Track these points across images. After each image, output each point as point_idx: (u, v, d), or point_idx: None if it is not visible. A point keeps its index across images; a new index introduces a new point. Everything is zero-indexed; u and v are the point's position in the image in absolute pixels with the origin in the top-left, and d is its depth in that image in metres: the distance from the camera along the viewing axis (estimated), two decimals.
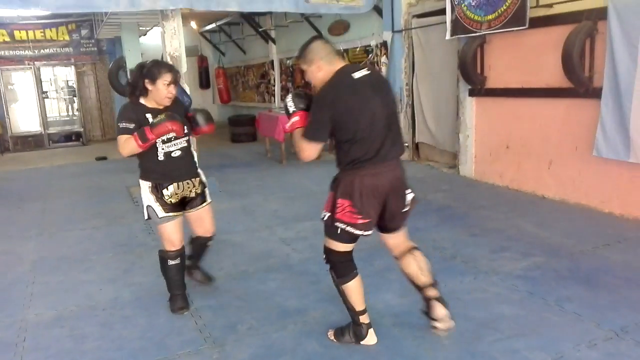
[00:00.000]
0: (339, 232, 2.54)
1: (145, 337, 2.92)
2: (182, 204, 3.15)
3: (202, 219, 3.27)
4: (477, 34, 5.78)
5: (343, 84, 2.47)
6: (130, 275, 3.84)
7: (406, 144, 7.66)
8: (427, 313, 2.74)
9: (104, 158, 9.93)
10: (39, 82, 12.58)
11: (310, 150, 2.54)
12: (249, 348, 2.75)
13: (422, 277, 2.74)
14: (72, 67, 12.76)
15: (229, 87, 14.54)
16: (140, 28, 10.58)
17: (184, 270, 3.29)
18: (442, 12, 6.28)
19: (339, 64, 2.54)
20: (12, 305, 3.45)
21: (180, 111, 3.09)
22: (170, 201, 3.05)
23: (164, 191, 3.03)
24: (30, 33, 12.47)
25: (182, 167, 3.08)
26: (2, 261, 4.33)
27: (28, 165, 9.70)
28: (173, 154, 3.02)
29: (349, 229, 2.52)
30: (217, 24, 12.48)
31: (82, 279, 3.80)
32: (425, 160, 7.56)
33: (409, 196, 2.69)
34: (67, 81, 12.92)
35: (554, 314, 2.96)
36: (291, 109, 2.62)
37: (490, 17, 5.58)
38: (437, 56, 6.97)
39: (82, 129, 12.94)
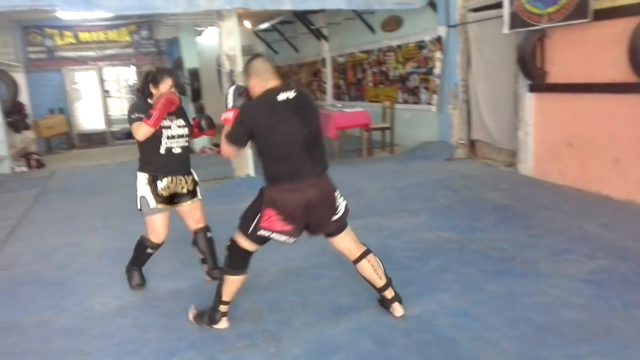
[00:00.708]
0: (258, 235, 2.80)
1: (204, 328, 3.01)
2: (172, 201, 3.43)
3: (192, 212, 3.54)
4: (537, 27, 5.58)
5: (264, 103, 2.72)
6: (188, 268, 3.96)
7: (462, 141, 7.50)
8: (387, 308, 3.04)
9: None
10: (102, 81, 13.18)
11: (229, 150, 2.81)
12: (304, 343, 2.79)
13: (379, 280, 2.98)
14: (133, 67, 13.28)
15: None
16: (197, 28, 10.90)
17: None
18: (500, 5, 6.09)
19: (272, 83, 2.77)
20: (79, 294, 3.65)
21: (182, 114, 3.43)
22: (162, 194, 3.34)
23: (159, 182, 3.32)
24: (94, 35, 13.08)
25: (178, 164, 3.38)
26: (70, 252, 4.57)
27: (92, 162, 10.19)
28: (174, 150, 3.34)
29: (273, 235, 2.79)
30: (271, 22, 12.65)
31: (144, 270, 3.95)
32: (482, 158, 7.38)
33: (341, 205, 2.92)
34: (128, 80, 13.47)
35: (621, 320, 2.83)
36: (230, 104, 2.89)
37: (550, 9, 5.37)
38: (494, 51, 6.78)
39: None
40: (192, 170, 3.53)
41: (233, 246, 2.89)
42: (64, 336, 3.06)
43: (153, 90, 3.27)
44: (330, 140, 8.16)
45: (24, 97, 11.34)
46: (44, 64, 12.85)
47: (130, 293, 3.59)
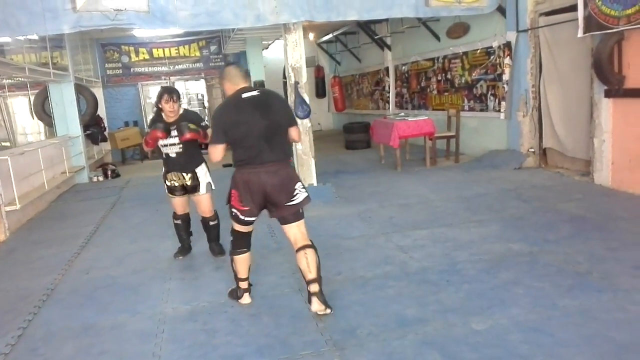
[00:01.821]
0: (232, 214, 3.32)
1: (270, 334, 3.06)
2: (184, 190, 4.44)
3: (199, 203, 4.48)
4: (614, 30, 5.29)
5: (231, 101, 3.26)
6: (255, 275, 4.01)
7: (532, 150, 7.21)
8: (308, 299, 3.31)
9: (231, 165, 10.55)
10: None
11: (214, 151, 3.25)
12: (369, 353, 2.76)
13: (309, 273, 3.25)
14: (203, 80, 13.82)
15: (344, 96, 14.79)
16: (263, 42, 11.18)
17: (186, 231, 4.68)
18: (573, 8, 5.84)
19: (241, 85, 3.29)
20: (152, 298, 3.80)
21: (183, 122, 4.20)
22: (169, 185, 4.43)
23: (167, 175, 4.41)
24: (167, 51, 13.74)
25: (176, 164, 4.33)
26: (143, 258, 4.79)
27: None
28: (170, 155, 4.32)
29: (236, 213, 3.28)
30: (334, 34, 12.77)
31: (213, 276, 4.07)
32: (554, 167, 7.05)
33: (300, 194, 3.26)
34: (198, 94, 14.02)
35: None
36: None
37: (629, 11, 5.08)
38: (566, 56, 6.49)
39: None
40: (197, 169, 4.38)
41: (231, 230, 3.42)
42: (138, 339, 3.20)
43: (160, 105, 4.23)
44: (393, 150, 8.10)
45: (101, 111, 12.07)
46: (120, 79, 13.64)
47: (199, 298, 3.70)
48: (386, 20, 10.32)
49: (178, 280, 4.10)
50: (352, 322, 3.13)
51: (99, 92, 12.21)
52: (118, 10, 5.59)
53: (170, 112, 4.22)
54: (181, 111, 4.34)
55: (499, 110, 7.80)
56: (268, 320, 3.25)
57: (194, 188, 4.42)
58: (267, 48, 12.81)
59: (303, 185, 3.32)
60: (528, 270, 3.68)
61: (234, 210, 3.28)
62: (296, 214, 3.29)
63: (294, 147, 6.49)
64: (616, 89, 5.55)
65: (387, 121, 8.50)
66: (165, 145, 4.28)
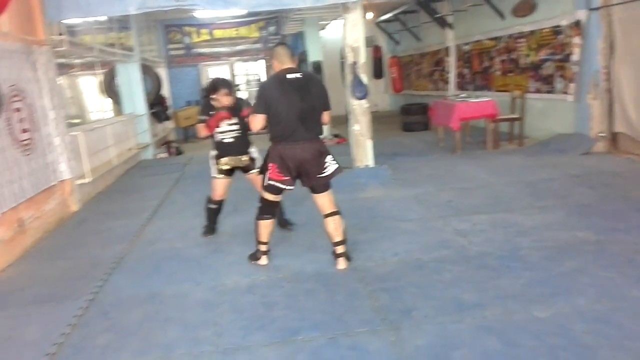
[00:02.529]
0: (268, 185, 3.67)
1: (326, 311, 3.11)
2: (232, 172, 4.62)
3: (255, 181, 4.52)
4: None
5: (276, 80, 3.57)
6: (311, 252, 4.10)
7: (602, 134, 6.84)
8: (335, 259, 3.78)
9: None
10: (233, 76, 14.04)
11: (254, 120, 3.57)
12: (425, 335, 2.76)
13: (336, 236, 3.71)
14: (262, 61, 13.97)
15: (402, 76, 14.54)
16: (320, 22, 11.14)
17: (217, 216, 4.82)
18: None
19: (286, 65, 3.58)
20: (213, 270, 3.95)
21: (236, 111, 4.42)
22: (221, 168, 4.55)
23: (220, 159, 4.53)
24: (227, 32, 13.98)
25: (233, 148, 4.50)
26: None
27: None
28: (225, 140, 4.48)
29: (275, 183, 3.62)
30: (393, 13, 12.53)
31: (272, 251, 4.16)
32: (625, 152, 6.67)
33: (330, 167, 3.63)
34: (256, 74, 14.20)
35: None
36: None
37: None
38: None
39: None
40: (250, 149, 4.59)
41: (260, 198, 3.78)
42: (200, 307, 3.34)
43: (214, 96, 4.37)
44: (452, 132, 7.92)
45: (165, 91, 12.47)
46: (183, 59, 14.02)
47: (258, 272, 3.81)
48: None
49: (238, 254, 4.21)
50: (408, 303, 3.13)
51: (162, 72, 12.61)
52: None
53: (226, 104, 4.37)
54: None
55: (567, 92, 7.43)
56: (324, 297, 3.30)
57: (248, 167, 4.62)
58: (324, 28, 12.75)
59: (333, 157, 3.67)
60: (594, 260, 3.53)
61: (271, 181, 3.63)
62: (325, 185, 3.69)
63: (350, 128, 6.48)
64: None
65: (448, 102, 8.30)
66: (223, 132, 4.46)
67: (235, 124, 4.45)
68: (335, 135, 10.41)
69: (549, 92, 7.95)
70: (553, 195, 5.16)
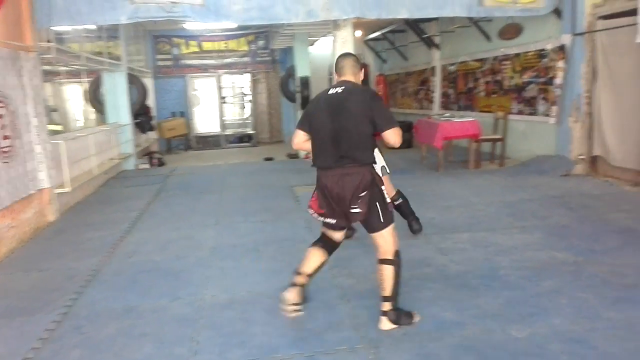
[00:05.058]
0: (312, 215, 3.17)
1: (305, 328, 3.08)
2: None
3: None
4: None
5: (319, 96, 3.10)
6: (292, 268, 4.04)
7: (582, 157, 6.97)
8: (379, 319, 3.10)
9: (271, 159, 10.70)
10: (219, 88, 14.04)
11: (296, 135, 3.14)
12: (404, 354, 2.74)
13: (381, 290, 3.04)
14: (248, 75, 14.00)
15: (388, 94, 14.67)
16: (309, 38, 11.23)
17: (406, 207, 4.74)
18: (633, 12, 5.60)
19: (343, 77, 3.10)
20: (192, 285, 3.89)
21: None
22: None
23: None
24: (216, 44, 13.98)
25: None
26: (185, 245, 4.89)
27: (207, 162, 10.88)
28: None
29: (313, 214, 3.14)
30: (382, 32, 12.68)
31: (252, 267, 4.13)
32: (604, 175, 6.79)
33: (363, 204, 2.93)
34: (242, 88, 14.22)
35: None
36: None
37: None
38: (624, 62, 6.23)
39: (253, 132, 14.12)
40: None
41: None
42: (177, 323, 3.28)
43: None
44: (435, 150, 7.98)
45: (150, 101, 12.41)
46: (170, 70, 13.98)
47: (238, 287, 3.77)
48: (436, 19, 10.16)
49: (218, 268, 4.17)
50: None
51: (149, 83, 12.55)
52: (174, 2, 5.73)
53: None
54: None
55: (549, 115, 7.57)
56: (304, 314, 3.26)
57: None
58: (312, 44, 12.84)
59: (374, 197, 2.96)
60: (572, 280, 3.57)
61: (310, 210, 3.15)
62: (368, 223, 3.02)
63: None
64: None
65: (432, 121, 8.39)
66: None
67: None
68: None
69: (531, 114, 8.08)
70: (533, 215, 5.21)
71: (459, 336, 2.89)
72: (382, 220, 3.00)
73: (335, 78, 3.18)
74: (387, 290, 3.00)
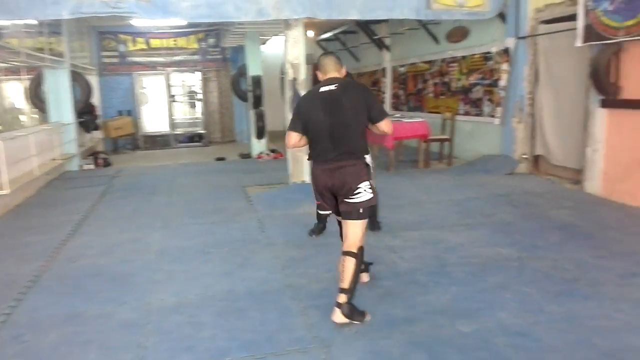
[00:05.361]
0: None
1: (256, 330, 3.05)
2: None
3: None
4: (613, 40, 5.32)
5: (310, 93, 3.28)
6: (244, 269, 4.03)
7: (525, 156, 7.25)
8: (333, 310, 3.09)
9: (223, 159, 10.55)
10: (168, 86, 13.71)
11: (289, 137, 3.24)
12: (356, 352, 2.76)
13: (341, 282, 3.08)
14: (199, 73, 13.73)
15: None
16: (261, 37, 11.13)
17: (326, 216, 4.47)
18: (573, 17, 5.86)
19: (329, 75, 3.23)
20: (139, 289, 3.77)
21: None
22: None
23: None
24: (164, 41, 13.62)
25: None
26: (132, 248, 4.74)
27: (155, 163, 10.59)
28: None
29: (317, 205, 3.35)
30: (333, 32, 12.75)
31: (201, 270, 4.05)
32: (545, 174, 7.09)
33: (363, 195, 3.09)
34: (192, 86, 13.93)
35: None
36: None
37: (629, 22, 5.12)
38: (563, 64, 6.53)
39: (204, 131, 13.87)
40: None
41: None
42: (124, 329, 3.17)
43: None
44: (386, 151, 8.10)
45: (95, 99, 11.97)
46: (116, 68, 13.51)
47: (187, 291, 3.68)
48: (386, 21, 10.31)
49: (166, 272, 4.06)
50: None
51: (94, 80, 12.10)
52: None
53: None
54: None
55: (494, 116, 7.83)
56: (255, 316, 3.24)
57: None
58: (264, 43, 12.75)
59: (370, 185, 3.14)
60: (516, 275, 3.70)
61: (316, 202, 3.38)
62: (351, 213, 3.12)
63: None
64: (612, 100, 5.59)
65: None
66: None
67: None
68: (272, 151, 10.38)
69: (477, 115, 8.34)
70: (479, 213, 5.38)
71: (409, 332, 2.94)
72: (362, 210, 3.12)
73: (320, 76, 3.27)
74: (346, 283, 3.05)
